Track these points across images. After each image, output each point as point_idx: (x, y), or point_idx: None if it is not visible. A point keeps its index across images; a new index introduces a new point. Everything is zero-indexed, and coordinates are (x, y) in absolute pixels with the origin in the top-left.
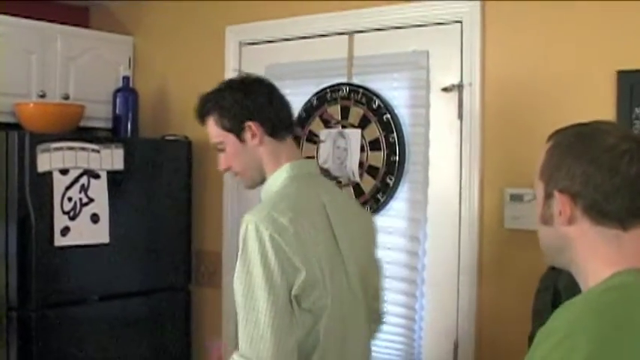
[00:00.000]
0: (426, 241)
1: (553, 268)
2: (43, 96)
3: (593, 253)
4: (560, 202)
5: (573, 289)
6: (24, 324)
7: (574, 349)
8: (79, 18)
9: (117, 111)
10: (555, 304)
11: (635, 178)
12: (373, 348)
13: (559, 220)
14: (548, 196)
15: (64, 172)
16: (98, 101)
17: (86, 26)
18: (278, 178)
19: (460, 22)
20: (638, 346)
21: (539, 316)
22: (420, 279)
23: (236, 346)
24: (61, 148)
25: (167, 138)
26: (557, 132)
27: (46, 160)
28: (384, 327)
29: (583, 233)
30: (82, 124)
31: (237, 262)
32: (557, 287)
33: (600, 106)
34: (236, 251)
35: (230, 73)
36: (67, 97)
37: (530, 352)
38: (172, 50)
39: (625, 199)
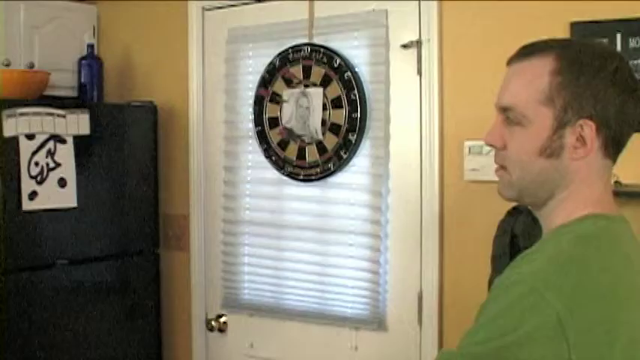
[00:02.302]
0: (388, 196)
1: (510, 214)
2: (8, 65)
3: (584, 190)
4: (589, 132)
5: (530, 232)
6: None
7: (539, 304)
8: None
9: (82, 79)
10: (513, 247)
11: None
12: (338, 303)
13: (575, 152)
14: (562, 125)
15: (30, 137)
16: (63, 69)
17: None
18: None
19: None
20: (608, 304)
21: (498, 261)
22: (383, 233)
23: None
24: (27, 114)
25: (133, 103)
26: (548, 48)
27: (12, 126)
28: (349, 282)
29: (590, 167)
30: (48, 92)
31: None
32: (514, 231)
33: None
34: (203, 214)
35: (193, 38)
36: (32, 66)
37: (488, 302)
38: (136, 17)
39: (634, 130)
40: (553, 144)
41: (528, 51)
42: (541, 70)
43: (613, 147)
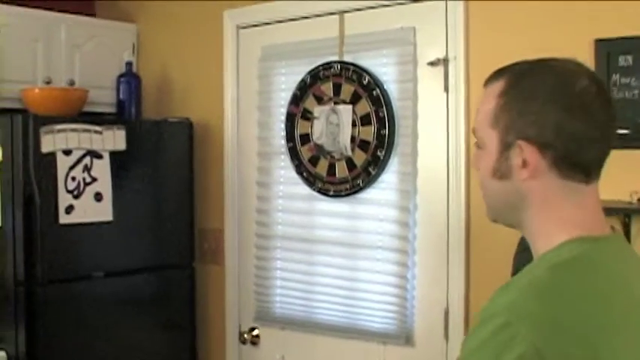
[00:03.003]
0: (416, 212)
1: None
2: (48, 82)
3: (550, 211)
4: (528, 153)
5: None
6: (31, 299)
7: (514, 339)
8: (86, 8)
9: (120, 96)
10: None
11: (607, 124)
12: (366, 317)
13: (521, 173)
14: (506, 147)
15: (67, 152)
16: (103, 87)
17: (93, 15)
18: None
19: None
20: (588, 331)
21: None
22: (411, 249)
23: None
24: (64, 130)
25: (169, 120)
26: (504, 71)
27: (50, 142)
28: (377, 297)
29: (546, 188)
30: (88, 109)
31: None
32: None
33: None
34: (237, 228)
35: (228, 56)
36: (72, 83)
37: (470, 334)
38: (174, 35)
39: (597, 148)
40: (501, 166)
41: (493, 75)
42: (493, 94)
43: (569, 168)
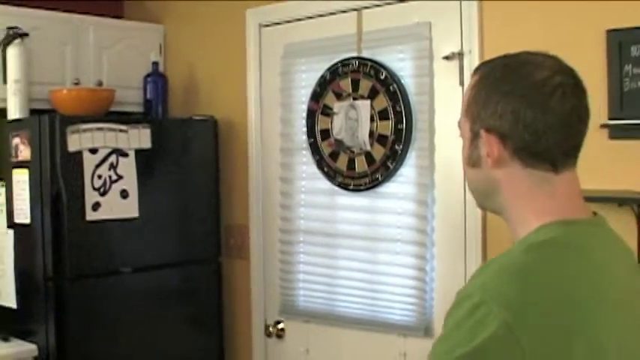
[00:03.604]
0: (434, 205)
1: None
2: (77, 83)
3: (522, 200)
4: (488, 143)
5: None
6: (60, 294)
7: (487, 317)
8: (115, 10)
9: (147, 95)
10: None
11: (568, 115)
12: (386, 310)
13: (487, 162)
14: (475, 136)
15: (93, 151)
16: (131, 87)
17: (120, 17)
18: None
19: None
20: (561, 309)
21: None
22: (429, 241)
23: None
24: (89, 130)
25: (194, 118)
26: (483, 64)
27: (76, 141)
28: (397, 289)
29: (512, 177)
30: (116, 108)
31: None
32: None
33: (592, 64)
34: (262, 224)
35: (251, 54)
36: (100, 84)
37: (448, 313)
38: (199, 35)
39: (557, 138)
40: (473, 154)
41: (475, 68)
42: (469, 86)
43: (530, 157)
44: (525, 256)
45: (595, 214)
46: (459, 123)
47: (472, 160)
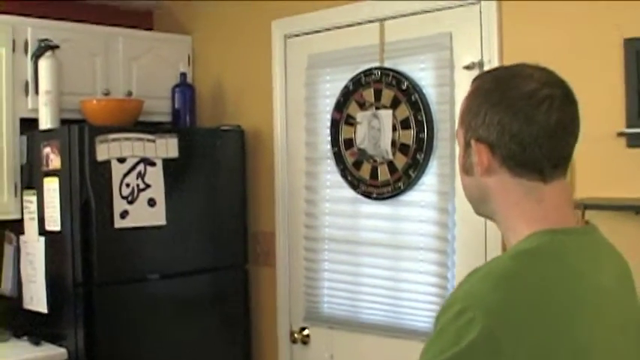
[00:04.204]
0: (455, 213)
1: None
2: (107, 94)
3: (513, 208)
4: (478, 152)
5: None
6: (89, 299)
7: (470, 323)
8: (144, 21)
9: (175, 105)
10: None
11: (554, 127)
12: (409, 316)
13: (477, 170)
14: (467, 145)
15: (121, 160)
16: (159, 97)
17: (150, 28)
18: None
19: (479, 3)
20: (544, 315)
21: None
22: (450, 249)
23: None
24: (118, 139)
25: (221, 127)
26: (479, 76)
27: (104, 150)
28: (420, 297)
29: (502, 185)
30: (145, 118)
31: None
32: None
33: (609, 73)
34: (287, 231)
35: (276, 65)
36: (130, 94)
37: (436, 318)
38: (226, 46)
39: (544, 149)
40: (466, 162)
41: (473, 79)
42: (465, 96)
43: (517, 167)
44: (511, 263)
45: (587, 222)
46: (457, 132)
47: (466, 168)
